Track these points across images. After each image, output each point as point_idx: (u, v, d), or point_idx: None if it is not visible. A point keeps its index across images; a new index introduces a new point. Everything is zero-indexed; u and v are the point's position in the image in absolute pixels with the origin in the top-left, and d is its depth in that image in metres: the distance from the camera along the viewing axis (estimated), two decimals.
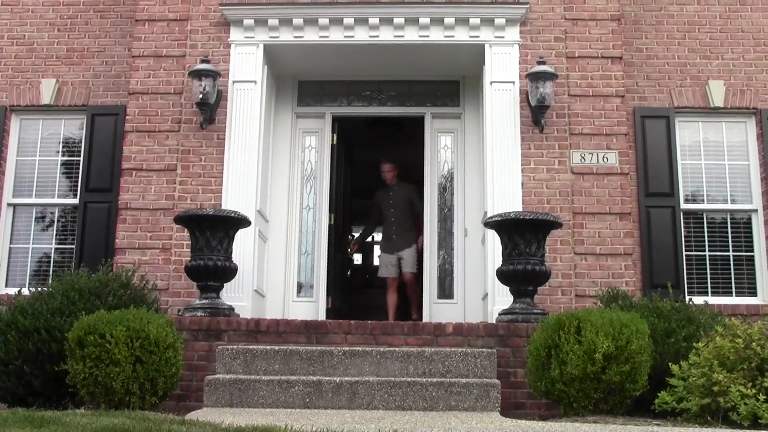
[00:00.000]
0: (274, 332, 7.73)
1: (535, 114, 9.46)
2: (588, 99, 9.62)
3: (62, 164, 10.59)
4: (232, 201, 9.35)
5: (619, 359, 6.19)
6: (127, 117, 9.82)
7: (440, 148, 10.70)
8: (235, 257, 8.59)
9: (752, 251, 10.12)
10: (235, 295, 8.98)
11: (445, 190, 10.58)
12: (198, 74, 9.44)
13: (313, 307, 10.21)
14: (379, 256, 11.46)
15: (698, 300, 8.22)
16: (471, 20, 9.71)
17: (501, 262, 8.26)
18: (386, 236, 11.49)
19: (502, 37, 9.75)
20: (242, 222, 8.51)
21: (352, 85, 10.81)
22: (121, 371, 6.30)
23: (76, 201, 10.31)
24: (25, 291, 8.26)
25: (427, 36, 9.79)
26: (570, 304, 8.96)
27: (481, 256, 9.89)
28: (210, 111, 9.57)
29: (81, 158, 10.42)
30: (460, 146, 10.59)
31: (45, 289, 7.77)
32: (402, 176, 11.66)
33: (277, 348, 7.25)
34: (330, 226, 10.51)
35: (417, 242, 11.09)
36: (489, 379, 6.95)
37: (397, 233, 11.25)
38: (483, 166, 9.80)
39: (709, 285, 10.03)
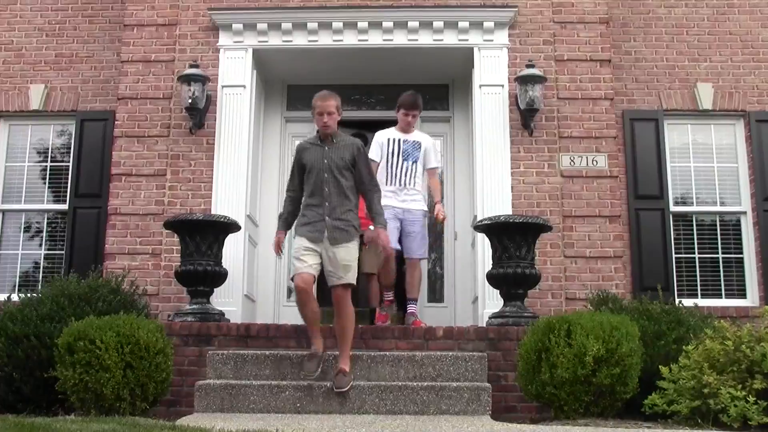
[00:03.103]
0: (265, 337, 7.71)
1: (525, 117, 9.47)
2: (577, 102, 9.64)
3: (51, 170, 10.56)
4: (222, 206, 9.34)
5: (610, 362, 6.20)
6: (116, 122, 9.81)
7: None
8: (225, 262, 8.58)
9: (741, 253, 10.15)
10: (226, 300, 8.96)
11: None
12: (187, 79, 9.43)
13: None
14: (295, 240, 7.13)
15: (688, 302, 8.22)
16: (460, 24, 9.73)
17: (491, 266, 8.26)
18: (312, 216, 7.04)
19: (491, 40, 9.77)
20: (232, 227, 8.49)
21: (342, 89, 10.63)
22: (111, 377, 6.27)
23: (65, 207, 10.28)
24: (15, 297, 8.24)
25: (416, 40, 9.80)
26: (560, 307, 8.97)
27: (471, 259, 9.89)
28: (199, 116, 9.56)
29: (70, 164, 10.39)
30: (449, 150, 10.61)
31: (34, 295, 7.75)
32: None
33: (267, 353, 7.24)
34: None
35: (367, 233, 7.54)
36: (480, 382, 6.94)
37: (331, 215, 7.01)
38: (472, 169, 9.82)
39: (698, 287, 10.06)
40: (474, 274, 9.57)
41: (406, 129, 8.71)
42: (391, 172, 8.54)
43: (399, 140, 8.61)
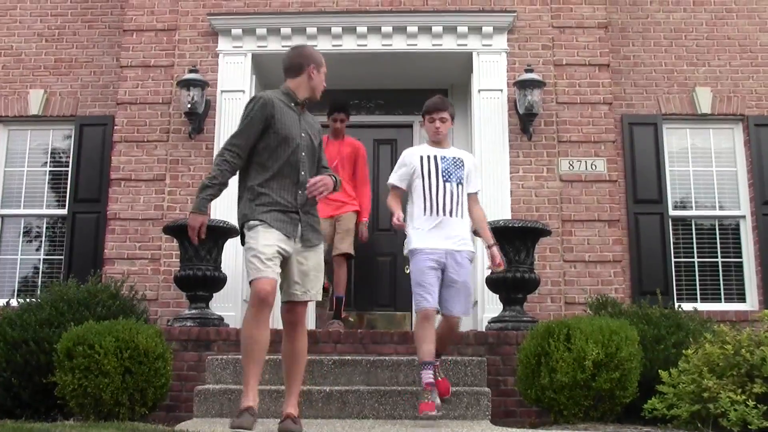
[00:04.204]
0: None
1: (523, 122, 9.48)
2: (576, 106, 9.64)
3: (50, 175, 10.56)
4: (221, 210, 9.29)
5: (609, 366, 6.20)
6: (115, 127, 9.81)
7: None
8: (225, 267, 8.57)
9: (741, 257, 10.14)
10: (225, 305, 8.94)
11: None
12: (186, 84, 9.44)
13: None
14: (249, 236, 5.43)
15: (687, 306, 8.23)
16: (459, 28, 9.74)
17: (490, 270, 8.26)
18: (283, 203, 5.45)
19: (490, 45, 9.78)
20: (231, 232, 8.48)
21: (341, 94, 10.75)
22: (110, 382, 6.27)
23: (64, 212, 10.28)
24: (14, 302, 8.23)
25: (415, 45, 9.81)
26: (559, 312, 8.96)
27: None
28: (198, 121, 9.56)
29: (69, 169, 10.39)
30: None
31: (33, 300, 7.73)
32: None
33: (266, 358, 7.21)
34: None
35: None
36: (479, 387, 6.95)
37: (303, 207, 5.54)
38: None
39: (698, 291, 10.05)
40: (473, 279, 9.54)
41: (438, 139, 6.69)
42: (430, 199, 6.47)
43: (435, 157, 6.60)
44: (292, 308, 5.53)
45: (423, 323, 6.27)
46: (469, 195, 6.65)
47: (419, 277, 6.31)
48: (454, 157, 6.65)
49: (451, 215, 6.44)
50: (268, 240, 5.26)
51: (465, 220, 6.57)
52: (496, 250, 6.56)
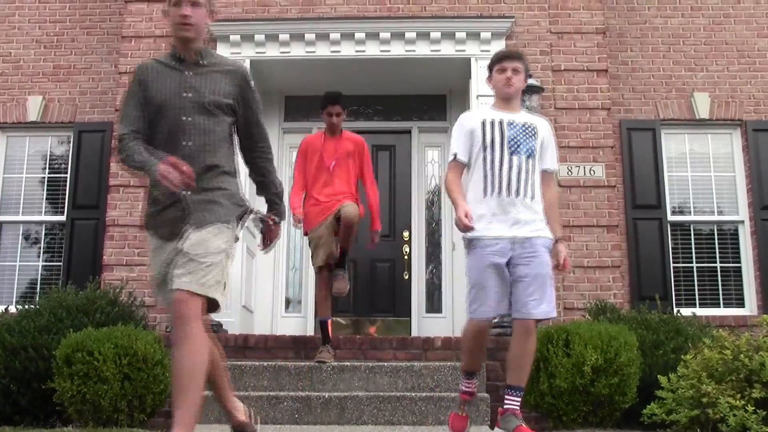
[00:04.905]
0: (263, 348, 7.71)
1: None
2: (574, 112, 9.64)
3: (49, 181, 10.55)
4: None
5: (608, 372, 6.20)
6: (114, 133, 9.79)
7: (427, 163, 10.72)
8: None
9: (739, 262, 10.14)
10: (223, 311, 8.74)
11: (433, 204, 10.59)
12: None
13: (302, 323, 10.19)
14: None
15: (686, 311, 8.24)
16: (457, 34, 9.74)
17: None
18: (162, 195, 4.33)
19: (488, 50, 9.75)
20: None
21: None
22: (109, 388, 6.27)
23: (63, 218, 10.28)
24: (12, 309, 8.22)
25: (414, 50, 9.81)
26: (558, 317, 8.94)
27: None
28: None
29: (68, 175, 10.37)
30: (446, 160, 10.58)
31: (32, 306, 7.73)
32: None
33: (265, 364, 7.23)
34: None
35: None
36: (478, 392, 6.93)
37: (197, 182, 4.18)
38: None
39: (696, 296, 10.05)
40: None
41: (509, 94, 5.32)
42: (492, 176, 5.18)
43: (501, 122, 5.24)
44: (174, 298, 4.19)
45: (475, 334, 5.30)
46: (541, 173, 5.37)
47: (478, 276, 5.10)
48: (525, 124, 5.30)
49: (517, 195, 5.13)
50: (154, 263, 4.38)
51: (537, 201, 5.23)
52: (562, 247, 5.37)
